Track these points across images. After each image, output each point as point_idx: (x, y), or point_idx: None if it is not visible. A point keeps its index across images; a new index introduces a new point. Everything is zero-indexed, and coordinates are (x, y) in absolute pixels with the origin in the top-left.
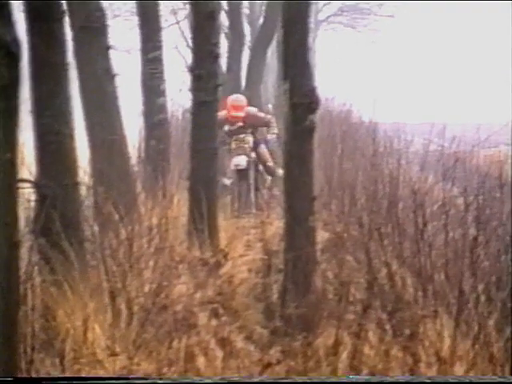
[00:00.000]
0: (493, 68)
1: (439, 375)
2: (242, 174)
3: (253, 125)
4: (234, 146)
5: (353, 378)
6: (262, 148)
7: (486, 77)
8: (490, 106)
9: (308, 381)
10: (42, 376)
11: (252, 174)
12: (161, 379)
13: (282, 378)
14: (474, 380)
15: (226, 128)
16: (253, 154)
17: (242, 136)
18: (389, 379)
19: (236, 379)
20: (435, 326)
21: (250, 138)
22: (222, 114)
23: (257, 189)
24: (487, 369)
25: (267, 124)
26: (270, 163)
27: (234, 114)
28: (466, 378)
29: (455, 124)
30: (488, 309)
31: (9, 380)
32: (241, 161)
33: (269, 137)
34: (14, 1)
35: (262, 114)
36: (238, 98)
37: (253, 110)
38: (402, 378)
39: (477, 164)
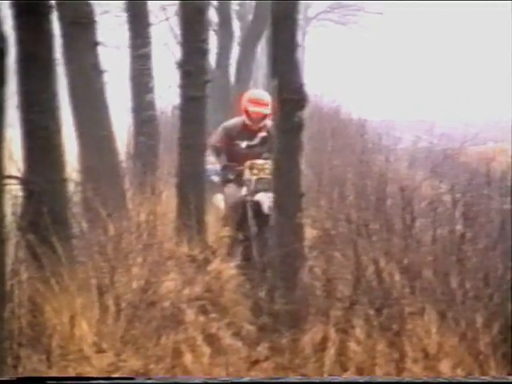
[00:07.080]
0: (481, 66)
1: (431, 377)
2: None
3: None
4: (251, 175)
5: (351, 378)
6: None
7: (475, 74)
8: (478, 103)
9: (305, 381)
10: (46, 375)
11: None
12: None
13: (275, 378)
14: (462, 380)
15: (244, 144)
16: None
17: (260, 163)
18: (387, 379)
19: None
20: (423, 323)
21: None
22: (235, 122)
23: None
24: (474, 365)
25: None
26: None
27: (252, 109)
28: (455, 379)
29: (444, 121)
30: (475, 305)
31: (12, 380)
32: (268, 201)
33: None
34: None
35: None
36: (260, 93)
37: None
38: (399, 380)
39: (465, 161)
